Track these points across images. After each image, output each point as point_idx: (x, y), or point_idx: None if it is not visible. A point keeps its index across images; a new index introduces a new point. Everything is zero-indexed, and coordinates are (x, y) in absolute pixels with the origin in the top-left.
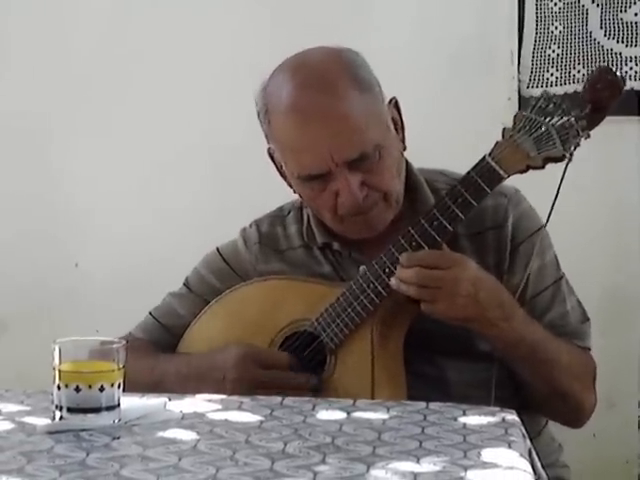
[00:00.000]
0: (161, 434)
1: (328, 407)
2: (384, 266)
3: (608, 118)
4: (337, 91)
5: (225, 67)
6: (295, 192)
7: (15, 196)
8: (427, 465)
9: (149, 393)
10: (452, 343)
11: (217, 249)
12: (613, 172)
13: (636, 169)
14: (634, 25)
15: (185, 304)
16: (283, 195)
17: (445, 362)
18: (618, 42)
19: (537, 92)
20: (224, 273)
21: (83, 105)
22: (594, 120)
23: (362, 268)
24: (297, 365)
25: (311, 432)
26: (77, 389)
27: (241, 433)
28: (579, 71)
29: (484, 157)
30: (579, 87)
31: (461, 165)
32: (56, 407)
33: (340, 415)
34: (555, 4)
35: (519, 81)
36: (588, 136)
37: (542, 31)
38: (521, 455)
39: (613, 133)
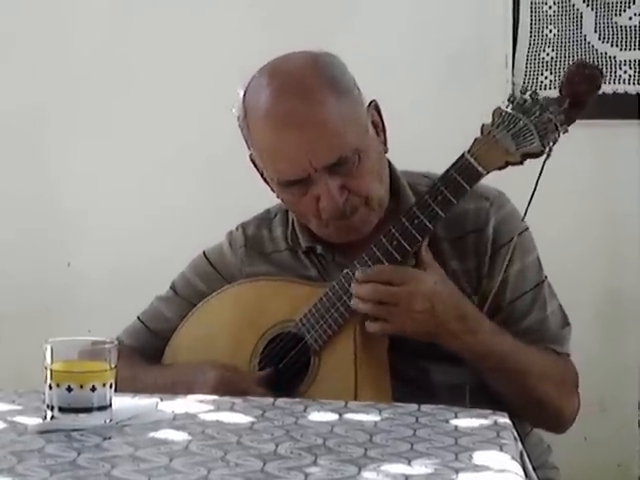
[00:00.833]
0: (152, 435)
1: (320, 409)
2: (365, 265)
3: (606, 122)
4: (314, 96)
5: (223, 68)
6: (278, 197)
7: (9, 196)
8: (418, 467)
9: None
10: (436, 346)
11: (203, 252)
12: (612, 176)
13: (635, 173)
14: (628, 29)
15: (172, 308)
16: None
17: (429, 365)
18: (612, 46)
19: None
20: (210, 276)
21: (77, 105)
22: (573, 115)
23: (345, 271)
24: (275, 379)
25: (303, 433)
26: (69, 389)
27: (233, 434)
28: None
29: (463, 154)
30: None
31: None
32: (47, 407)
33: (332, 417)
34: (550, 7)
35: (513, 84)
36: (566, 131)
37: (536, 34)
38: (513, 458)
39: (611, 137)
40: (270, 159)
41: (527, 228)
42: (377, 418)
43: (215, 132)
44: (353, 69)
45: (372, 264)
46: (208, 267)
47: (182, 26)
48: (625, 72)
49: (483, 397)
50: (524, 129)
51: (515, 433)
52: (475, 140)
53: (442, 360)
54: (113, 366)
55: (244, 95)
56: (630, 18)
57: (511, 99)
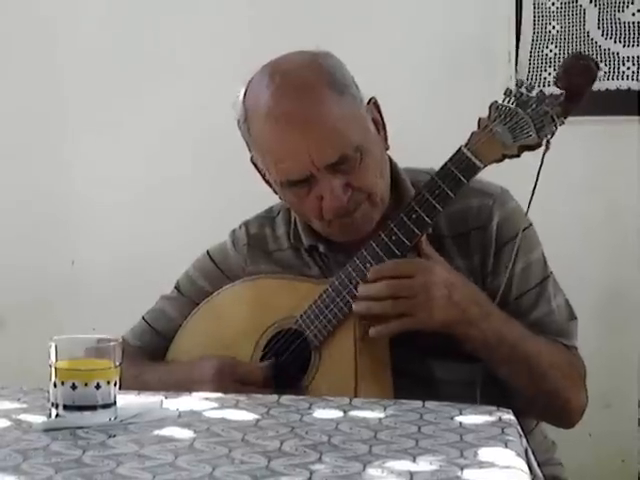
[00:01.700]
0: (157, 432)
1: (324, 406)
2: (365, 260)
3: (607, 118)
4: (314, 96)
5: (226, 67)
6: (281, 198)
7: (13, 194)
8: (423, 464)
9: None
10: (439, 342)
11: (207, 252)
12: (612, 172)
13: (635, 169)
14: (632, 25)
15: (176, 307)
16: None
17: (432, 361)
18: (615, 42)
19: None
20: (214, 275)
21: (83, 105)
22: (569, 107)
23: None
24: (276, 371)
25: (307, 431)
26: (73, 387)
27: (237, 431)
28: None
29: (460, 148)
30: None
31: None
32: (52, 404)
33: (336, 414)
34: (553, 4)
35: (516, 80)
36: (562, 123)
37: (540, 31)
38: (517, 454)
39: (612, 133)
40: (272, 160)
41: (531, 224)
42: (382, 415)
43: (222, 132)
44: (355, 66)
45: (371, 259)
46: (212, 266)
47: (197, 31)
48: (628, 68)
49: (487, 394)
50: (521, 122)
51: (520, 430)
52: (472, 134)
53: (446, 357)
54: (118, 364)
55: (244, 97)
56: (633, 14)
57: (508, 92)
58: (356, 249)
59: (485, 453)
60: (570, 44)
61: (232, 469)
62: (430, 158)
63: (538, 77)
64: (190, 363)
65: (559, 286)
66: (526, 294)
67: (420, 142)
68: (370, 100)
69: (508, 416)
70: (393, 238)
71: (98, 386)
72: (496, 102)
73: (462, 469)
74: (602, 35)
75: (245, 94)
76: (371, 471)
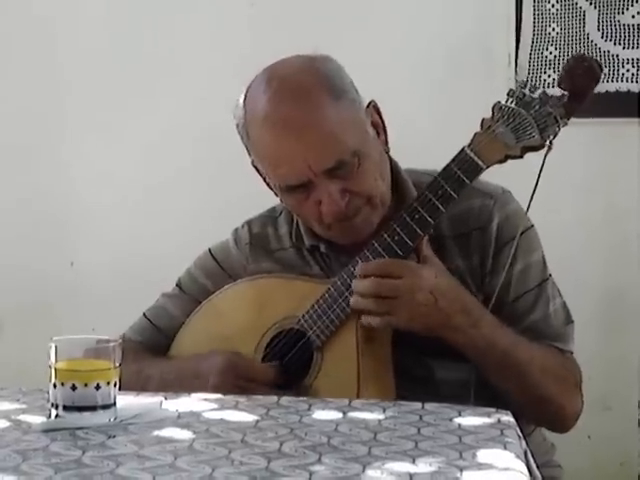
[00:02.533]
0: (157, 433)
1: (324, 407)
2: (367, 260)
3: (607, 120)
4: (311, 101)
5: (227, 69)
6: (282, 201)
7: (13, 196)
8: (423, 466)
9: None
10: (440, 343)
11: (209, 250)
12: (613, 174)
13: (635, 171)
14: (631, 27)
15: (178, 305)
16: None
17: (433, 362)
18: (615, 44)
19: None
20: (215, 274)
21: (84, 107)
22: (572, 108)
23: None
24: (280, 372)
25: (307, 432)
26: (73, 387)
27: (237, 432)
28: None
29: (463, 149)
30: None
31: None
32: (52, 405)
33: (336, 415)
34: (552, 6)
35: (516, 82)
36: (565, 124)
37: (539, 33)
38: (517, 456)
39: (614, 135)
40: (270, 165)
41: (532, 226)
42: (381, 416)
43: (222, 132)
44: (355, 68)
45: (374, 259)
46: (213, 264)
47: (184, 23)
48: (628, 70)
49: (487, 394)
50: (524, 123)
51: (519, 431)
52: (475, 135)
53: (446, 357)
54: (117, 365)
55: (243, 102)
56: (633, 16)
57: (510, 93)
58: (358, 249)
59: (484, 455)
60: (570, 46)
61: (232, 470)
62: (430, 159)
63: (538, 79)
64: (195, 357)
65: (557, 289)
66: (524, 296)
67: (420, 143)
68: (370, 103)
69: (507, 418)
70: (396, 238)
71: (98, 387)
72: (499, 103)
73: (461, 471)
74: (602, 37)
75: (244, 99)
76: (370, 472)
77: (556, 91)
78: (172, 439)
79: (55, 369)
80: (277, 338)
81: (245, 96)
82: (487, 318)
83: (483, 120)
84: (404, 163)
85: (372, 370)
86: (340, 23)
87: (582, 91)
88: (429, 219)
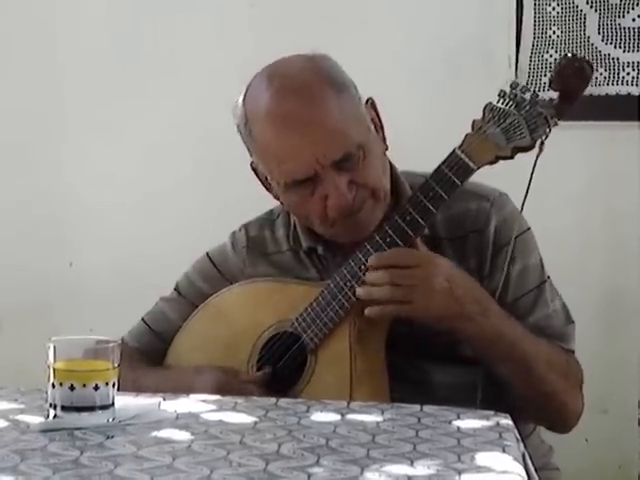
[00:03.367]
0: (155, 434)
1: (322, 409)
2: (360, 263)
3: (607, 123)
4: (314, 94)
5: (226, 70)
6: (282, 204)
7: (12, 196)
8: (421, 468)
9: None
10: (435, 346)
11: (207, 254)
12: (613, 177)
13: (636, 174)
14: (632, 30)
15: (175, 309)
16: None
17: (428, 365)
18: (616, 47)
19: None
20: (213, 277)
21: (83, 107)
22: (563, 108)
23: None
24: (272, 378)
25: (305, 433)
26: (71, 387)
27: (235, 434)
28: None
29: (454, 150)
30: None
31: None
32: (50, 405)
33: (334, 417)
34: (553, 9)
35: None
36: (555, 124)
37: (540, 36)
38: (515, 459)
39: (612, 138)
40: (275, 161)
41: (529, 228)
42: (379, 418)
43: (222, 134)
44: (356, 69)
45: (366, 262)
46: (211, 268)
47: (185, 24)
48: (628, 74)
49: (483, 397)
50: (514, 123)
51: (517, 434)
52: (466, 136)
53: (442, 360)
54: (116, 365)
55: (243, 102)
56: (633, 20)
57: (501, 94)
58: (353, 252)
59: (483, 457)
60: (570, 49)
61: (230, 472)
62: (430, 161)
63: (538, 82)
64: (188, 371)
65: (556, 290)
66: (523, 297)
67: (420, 145)
68: (368, 101)
69: (506, 421)
70: (387, 240)
71: (96, 387)
72: (490, 103)
73: (460, 473)
74: (602, 40)
75: (244, 99)
76: (369, 475)
77: (556, 95)
78: (170, 440)
79: (54, 369)
80: (272, 341)
81: (245, 96)
82: (495, 308)
83: (474, 121)
84: (404, 165)
85: (365, 373)
86: (341, 24)
87: (573, 92)
88: (420, 220)
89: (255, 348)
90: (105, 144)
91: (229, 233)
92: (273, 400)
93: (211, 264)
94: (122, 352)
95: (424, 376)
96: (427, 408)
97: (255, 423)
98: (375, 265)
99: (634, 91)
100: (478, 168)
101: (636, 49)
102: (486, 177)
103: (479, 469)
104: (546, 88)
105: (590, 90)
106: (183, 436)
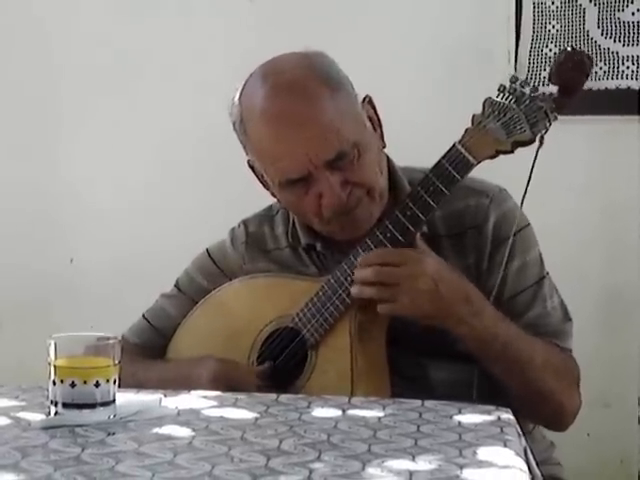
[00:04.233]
0: (156, 430)
1: (323, 404)
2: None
3: (607, 117)
4: (308, 93)
5: (224, 67)
6: (279, 201)
7: (12, 192)
8: (422, 463)
9: None
10: (435, 343)
11: (206, 250)
12: (612, 171)
13: (635, 168)
14: (631, 24)
15: (176, 305)
16: None
17: (428, 362)
18: (615, 41)
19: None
20: (213, 274)
21: (84, 103)
22: (563, 102)
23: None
24: (273, 373)
25: (306, 429)
26: (72, 384)
27: (236, 430)
28: None
29: (454, 144)
30: None
31: None
32: (51, 402)
33: (335, 412)
34: (552, 3)
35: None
36: (555, 118)
37: (539, 30)
38: (516, 454)
39: (612, 132)
40: (269, 159)
41: (528, 224)
42: (381, 414)
43: (221, 132)
44: (355, 67)
45: None
46: (210, 264)
47: (185, 24)
48: (628, 67)
49: (486, 394)
50: (514, 118)
51: (519, 429)
52: (466, 130)
53: (441, 357)
54: (117, 362)
55: (239, 100)
56: (633, 14)
57: (501, 88)
58: (352, 248)
59: (484, 452)
60: (570, 43)
61: (231, 467)
62: (430, 157)
63: (537, 76)
64: (188, 363)
65: (555, 287)
66: (521, 294)
67: (420, 141)
68: (365, 98)
69: (507, 415)
70: (388, 235)
71: (97, 384)
72: (490, 98)
73: (461, 468)
74: (602, 34)
75: (240, 96)
76: (370, 470)
77: (555, 89)
78: (171, 436)
79: (55, 366)
80: (272, 337)
81: (241, 94)
82: (489, 309)
83: (474, 116)
84: (403, 162)
85: (366, 368)
86: (340, 21)
87: (572, 85)
88: (421, 215)
89: (256, 343)
90: (105, 141)
91: (228, 229)
92: (274, 396)
93: (210, 260)
94: (123, 348)
95: (422, 372)
96: (428, 403)
97: (256, 419)
98: (362, 264)
99: (634, 85)
100: (478, 162)
101: (635, 43)
102: (486, 171)
103: (480, 464)
104: (546, 82)
105: (590, 84)
106: (184, 432)
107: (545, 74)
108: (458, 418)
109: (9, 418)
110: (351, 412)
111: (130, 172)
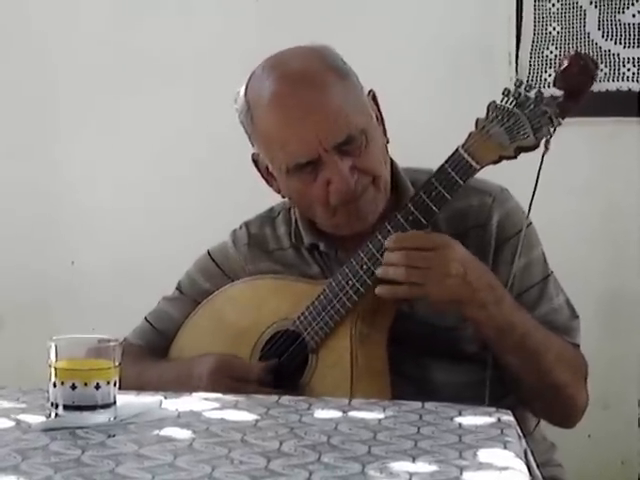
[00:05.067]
0: (157, 432)
1: (324, 406)
2: (361, 262)
3: (607, 119)
4: (317, 79)
5: (228, 66)
6: (283, 196)
7: (14, 195)
8: (422, 465)
9: None
10: (438, 345)
11: (208, 251)
12: (612, 173)
13: (635, 170)
14: (632, 26)
15: (178, 307)
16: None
17: (431, 364)
18: (616, 43)
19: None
20: (214, 275)
21: (84, 105)
22: (568, 107)
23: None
24: (275, 371)
25: (307, 431)
26: (73, 387)
27: (237, 432)
28: None
29: (457, 149)
30: None
31: None
32: (52, 404)
33: (336, 414)
34: (553, 5)
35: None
36: (559, 124)
37: (540, 32)
38: (516, 455)
39: (613, 134)
40: (278, 144)
41: (531, 223)
42: (381, 416)
43: (224, 133)
44: (357, 66)
45: (368, 261)
46: (212, 266)
47: (187, 24)
48: (629, 69)
49: (483, 395)
50: (518, 123)
51: (519, 431)
52: (469, 135)
53: (443, 358)
54: (117, 364)
55: (245, 91)
56: (633, 15)
57: (506, 92)
58: (355, 248)
59: (484, 454)
60: (570, 45)
61: (231, 469)
62: (432, 159)
63: (538, 78)
64: (190, 359)
65: (560, 285)
66: (527, 292)
67: (422, 143)
68: (369, 92)
69: (507, 417)
70: None
71: (98, 386)
72: (494, 102)
73: (461, 470)
74: (602, 36)
75: (246, 88)
76: (370, 472)
77: (556, 91)
78: (172, 438)
79: (55, 368)
80: (273, 339)
81: (247, 86)
82: (508, 298)
83: (477, 120)
84: (405, 162)
85: (366, 373)
86: (343, 21)
87: (578, 90)
88: (423, 220)
89: (257, 346)
90: (106, 143)
91: (230, 231)
92: (274, 398)
93: (212, 262)
94: (126, 349)
95: (426, 374)
96: (428, 405)
97: (256, 421)
98: (393, 246)
99: (634, 87)
100: (481, 168)
101: (636, 45)
102: (490, 174)
103: (481, 466)
104: (547, 85)
105: (592, 88)
106: (184, 434)
107: (546, 76)
108: (458, 420)
109: (9, 420)
110: (351, 414)
111: (131, 174)
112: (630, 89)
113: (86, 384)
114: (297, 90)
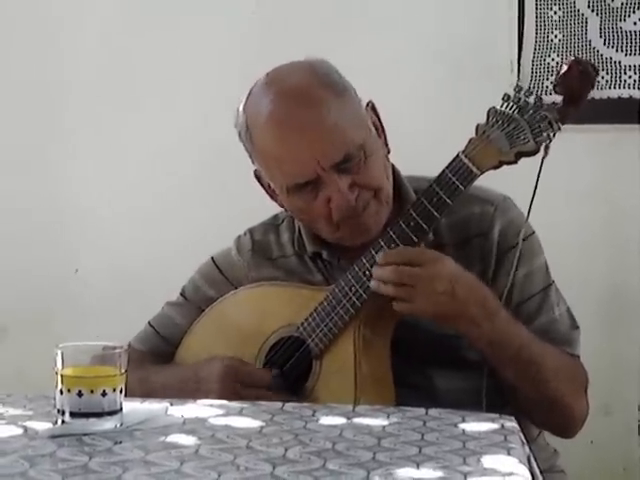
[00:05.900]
0: (163, 439)
1: (328, 413)
2: (364, 268)
3: (608, 126)
4: (313, 97)
5: (227, 73)
6: (287, 210)
7: (17, 203)
8: (427, 471)
9: None
10: (440, 352)
11: (212, 258)
12: (613, 180)
13: (636, 177)
14: (633, 34)
15: (182, 313)
16: None
17: (433, 371)
18: (617, 51)
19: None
20: (219, 282)
21: (86, 112)
22: (568, 112)
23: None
24: (280, 378)
25: (312, 437)
26: (79, 394)
27: (242, 438)
28: None
29: (457, 155)
30: None
31: None
32: (58, 411)
33: (340, 421)
34: (555, 12)
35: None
36: (559, 129)
37: (542, 39)
38: (520, 462)
39: (614, 141)
40: (277, 165)
41: (533, 232)
42: (385, 422)
43: (225, 140)
44: (357, 74)
45: (370, 267)
46: (216, 272)
47: (188, 31)
48: (630, 77)
49: (490, 401)
50: (518, 128)
51: (523, 437)
52: (470, 140)
53: (447, 365)
54: (123, 371)
55: (243, 109)
56: (635, 23)
57: (505, 98)
58: (358, 256)
59: (488, 460)
60: (572, 53)
61: (237, 476)
62: (433, 166)
63: (540, 86)
64: (195, 364)
65: (561, 295)
66: (528, 301)
67: (423, 150)
68: (368, 104)
69: (511, 423)
70: (392, 246)
71: (104, 393)
72: (494, 108)
73: (465, 476)
74: (604, 44)
75: (244, 106)
76: (375, 478)
77: (558, 98)
78: (178, 445)
79: (61, 375)
80: (277, 346)
81: (245, 103)
82: (503, 313)
83: (478, 125)
84: (407, 170)
85: (370, 379)
86: (343, 28)
87: (577, 95)
88: (424, 226)
89: (261, 352)
90: (109, 150)
91: (234, 238)
92: (279, 404)
93: (216, 269)
94: (129, 355)
95: (429, 382)
96: (432, 411)
97: (261, 427)
98: (381, 262)
99: (636, 94)
100: (482, 173)
101: (638, 52)
102: (491, 179)
103: (485, 472)
104: (549, 92)
105: (592, 93)
106: (190, 441)
107: (548, 83)
108: (462, 426)
109: (17, 427)
110: (356, 420)
111: (136, 182)
112: (631, 96)
113: (92, 391)
114: (293, 109)
